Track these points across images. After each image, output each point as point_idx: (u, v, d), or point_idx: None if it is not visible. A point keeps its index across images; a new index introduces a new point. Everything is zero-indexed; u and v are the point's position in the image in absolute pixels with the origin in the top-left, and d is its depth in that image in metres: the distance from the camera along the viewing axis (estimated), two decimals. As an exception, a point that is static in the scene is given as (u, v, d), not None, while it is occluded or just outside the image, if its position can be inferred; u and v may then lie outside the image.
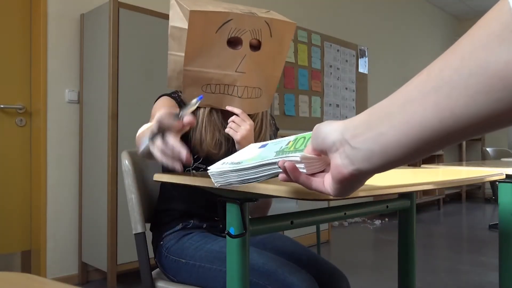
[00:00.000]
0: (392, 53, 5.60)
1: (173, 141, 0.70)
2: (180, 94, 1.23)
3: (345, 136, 0.43)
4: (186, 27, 1.10)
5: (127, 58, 2.44)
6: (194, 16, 1.04)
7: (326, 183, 0.51)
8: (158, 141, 0.71)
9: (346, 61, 4.75)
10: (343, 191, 0.48)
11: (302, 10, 4.27)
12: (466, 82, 0.32)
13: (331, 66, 4.55)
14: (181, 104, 1.21)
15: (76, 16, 2.63)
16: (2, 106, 2.44)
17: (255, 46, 1.16)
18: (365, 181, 0.47)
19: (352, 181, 0.46)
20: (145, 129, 0.93)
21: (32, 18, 2.56)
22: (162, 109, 1.08)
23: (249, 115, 1.21)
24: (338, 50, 4.65)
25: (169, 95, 1.23)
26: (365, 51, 5.05)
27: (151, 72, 2.54)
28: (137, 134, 1.00)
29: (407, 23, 5.92)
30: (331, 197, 0.62)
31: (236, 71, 1.14)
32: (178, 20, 1.14)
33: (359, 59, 4.95)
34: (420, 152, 0.39)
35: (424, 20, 6.32)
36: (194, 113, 1.22)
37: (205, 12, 1.05)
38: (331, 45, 4.56)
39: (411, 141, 0.38)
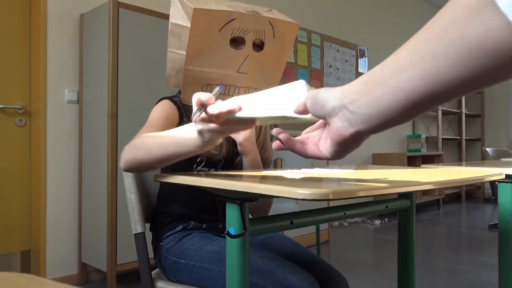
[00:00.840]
0: (392, 53, 5.60)
1: (214, 107, 0.75)
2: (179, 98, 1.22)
3: (344, 102, 0.48)
4: (187, 24, 1.08)
5: (127, 58, 2.44)
6: (197, 14, 1.02)
7: (321, 148, 0.56)
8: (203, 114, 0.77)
9: (346, 61, 4.76)
10: (341, 152, 0.53)
11: (302, 10, 4.27)
12: (446, 52, 0.37)
13: (330, 66, 4.55)
14: (182, 109, 1.18)
15: (76, 16, 2.63)
16: (1, 106, 2.44)
17: (258, 46, 1.13)
18: (361, 143, 0.52)
19: (351, 142, 0.50)
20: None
21: (32, 18, 2.56)
22: (160, 117, 1.12)
23: None
24: (337, 50, 4.65)
25: (170, 98, 1.19)
26: (364, 51, 5.05)
27: (151, 72, 2.54)
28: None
29: (407, 23, 5.92)
30: (330, 199, 0.62)
31: (238, 72, 1.11)
32: (179, 17, 1.11)
33: (359, 59, 4.95)
34: (411, 113, 0.44)
35: (424, 20, 6.27)
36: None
37: (208, 10, 1.02)
38: (330, 45, 4.56)
39: (403, 104, 0.43)
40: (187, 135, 0.86)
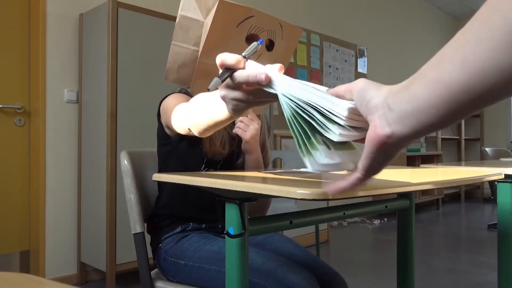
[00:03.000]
0: (391, 53, 5.61)
1: (241, 73, 0.62)
2: (187, 89, 1.22)
3: (387, 100, 0.44)
4: (199, 18, 1.09)
5: (126, 58, 2.43)
6: (221, 6, 1.02)
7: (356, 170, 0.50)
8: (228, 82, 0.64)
9: (345, 61, 4.76)
10: (374, 162, 0.47)
11: (301, 10, 4.27)
12: (492, 33, 0.32)
13: (330, 66, 4.55)
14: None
15: (75, 16, 2.63)
16: (0, 106, 2.44)
17: (267, 47, 1.15)
18: (398, 151, 0.46)
19: (386, 147, 0.45)
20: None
21: (31, 18, 2.55)
22: (178, 102, 1.06)
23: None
24: (337, 50, 4.65)
25: (177, 92, 1.21)
26: (364, 51, 5.05)
27: (150, 72, 2.53)
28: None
29: (406, 23, 5.92)
30: (329, 199, 0.62)
31: None
32: (190, 9, 1.11)
33: (358, 59, 4.95)
34: (454, 112, 0.38)
35: (423, 20, 6.33)
36: None
37: (232, 4, 1.03)
38: (330, 45, 4.56)
39: (442, 100, 0.37)
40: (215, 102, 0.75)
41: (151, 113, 1.19)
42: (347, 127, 0.52)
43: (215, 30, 1.05)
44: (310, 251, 1.26)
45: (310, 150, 0.55)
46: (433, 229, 4.37)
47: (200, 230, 1.22)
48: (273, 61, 1.16)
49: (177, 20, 1.12)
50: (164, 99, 1.19)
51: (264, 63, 1.12)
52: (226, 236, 0.85)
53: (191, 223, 1.21)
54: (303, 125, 0.55)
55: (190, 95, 1.19)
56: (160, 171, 1.25)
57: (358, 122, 0.53)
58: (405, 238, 1.28)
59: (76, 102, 2.62)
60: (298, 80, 0.59)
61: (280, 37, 1.14)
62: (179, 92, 1.23)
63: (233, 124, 1.20)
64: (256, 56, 1.10)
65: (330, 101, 0.53)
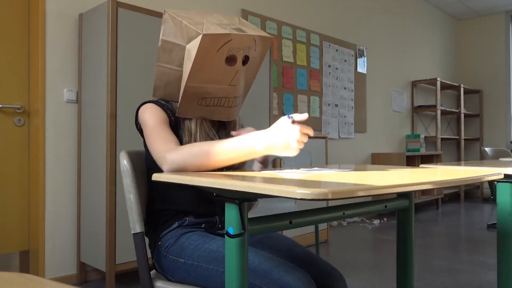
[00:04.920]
0: (391, 53, 5.61)
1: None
2: (161, 101, 1.27)
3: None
4: (180, 42, 1.19)
5: (126, 58, 2.43)
6: (205, 40, 1.13)
7: None
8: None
9: (345, 61, 4.76)
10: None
11: (301, 10, 4.27)
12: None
13: (329, 66, 4.55)
14: (169, 111, 1.24)
15: (75, 16, 2.63)
16: (0, 105, 2.44)
17: (244, 60, 1.25)
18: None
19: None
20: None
21: (31, 17, 2.55)
22: (160, 122, 1.19)
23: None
24: (336, 50, 4.65)
25: (154, 102, 1.24)
26: (363, 51, 5.05)
27: (149, 72, 2.53)
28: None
29: (406, 23, 5.92)
30: (329, 199, 0.62)
31: (229, 85, 1.24)
32: (171, 35, 1.21)
33: (358, 59, 4.95)
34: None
35: (422, 20, 6.33)
36: (187, 122, 1.27)
37: (213, 35, 1.13)
38: (329, 45, 4.56)
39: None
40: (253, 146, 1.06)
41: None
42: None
43: (199, 59, 1.16)
44: (308, 249, 1.26)
45: None
46: (433, 229, 4.37)
47: (198, 225, 1.23)
48: (247, 71, 1.28)
49: (159, 43, 1.22)
50: (140, 106, 1.24)
51: (240, 77, 1.26)
52: (225, 236, 0.85)
53: (187, 218, 1.22)
54: None
55: (165, 108, 1.24)
56: (148, 166, 1.26)
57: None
58: (405, 238, 1.28)
59: (75, 102, 2.62)
60: None
61: (254, 49, 1.26)
62: (156, 101, 1.27)
63: (215, 130, 1.29)
64: (234, 73, 1.24)
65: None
